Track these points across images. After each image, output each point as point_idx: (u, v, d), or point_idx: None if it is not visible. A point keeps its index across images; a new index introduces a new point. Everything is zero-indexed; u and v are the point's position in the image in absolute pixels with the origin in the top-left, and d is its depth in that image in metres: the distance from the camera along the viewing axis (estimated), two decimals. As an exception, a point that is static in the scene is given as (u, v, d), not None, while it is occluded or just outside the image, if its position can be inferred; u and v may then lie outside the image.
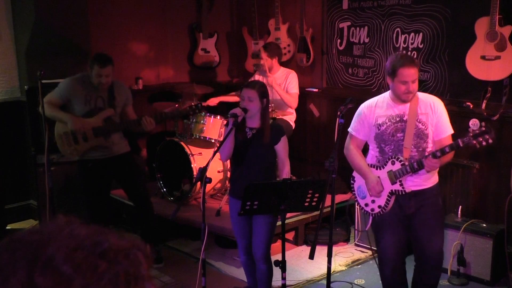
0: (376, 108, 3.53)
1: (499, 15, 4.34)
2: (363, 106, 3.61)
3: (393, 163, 3.46)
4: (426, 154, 3.40)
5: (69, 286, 0.72)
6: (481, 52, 4.47)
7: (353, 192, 3.77)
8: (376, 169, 3.53)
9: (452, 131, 3.49)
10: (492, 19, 4.35)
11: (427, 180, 3.51)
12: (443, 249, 3.72)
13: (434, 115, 3.44)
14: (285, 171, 3.78)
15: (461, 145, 3.26)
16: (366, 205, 3.63)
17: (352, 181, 3.77)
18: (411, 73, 3.35)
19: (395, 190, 3.48)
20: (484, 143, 3.23)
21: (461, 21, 4.79)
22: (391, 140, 3.48)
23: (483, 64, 4.47)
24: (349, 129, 3.66)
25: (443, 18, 4.92)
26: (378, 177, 3.52)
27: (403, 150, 3.44)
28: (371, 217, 3.67)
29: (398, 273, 3.72)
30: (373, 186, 3.51)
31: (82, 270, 0.73)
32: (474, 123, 4.65)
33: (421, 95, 3.52)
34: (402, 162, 3.43)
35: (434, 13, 4.99)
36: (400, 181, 3.45)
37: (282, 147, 3.78)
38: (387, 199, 3.51)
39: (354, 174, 3.72)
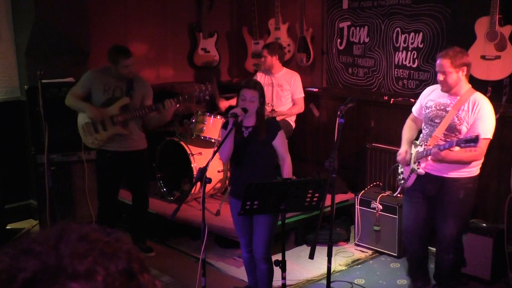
0: (433, 92, 3.84)
1: (499, 14, 4.33)
2: (427, 88, 3.96)
3: (421, 146, 3.77)
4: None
5: None
6: (481, 51, 4.46)
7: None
8: (415, 147, 3.84)
9: (486, 136, 3.56)
10: (492, 18, 4.35)
11: (449, 169, 3.69)
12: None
13: (473, 114, 3.59)
14: (285, 168, 3.77)
15: (446, 147, 3.49)
16: (401, 173, 4.05)
17: None
18: (439, 64, 3.63)
19: (412, 169, 3.80)
20: (468, 151, 3.48)
21: (461, 20, 4.79)
22: (429, 124, 3.78)
23: (483, 63, 4.47)
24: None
25: (443, 17, 4.92)
26: (410, 153, 3.85)
27: (432, 137, 3.70)
28: (400, 187, 4.11)
29: (415, 246, 4.05)
30: (400, 153, 3.89)
31: None
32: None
33: (477, 95, 3.67)
34: (425, 147, 3.70)
35: (434, 12, 4.98)
36: (418, 162, 3.73)
37: (279, 142, 3.77)
38: (408, 174, 3.87)
39: None
